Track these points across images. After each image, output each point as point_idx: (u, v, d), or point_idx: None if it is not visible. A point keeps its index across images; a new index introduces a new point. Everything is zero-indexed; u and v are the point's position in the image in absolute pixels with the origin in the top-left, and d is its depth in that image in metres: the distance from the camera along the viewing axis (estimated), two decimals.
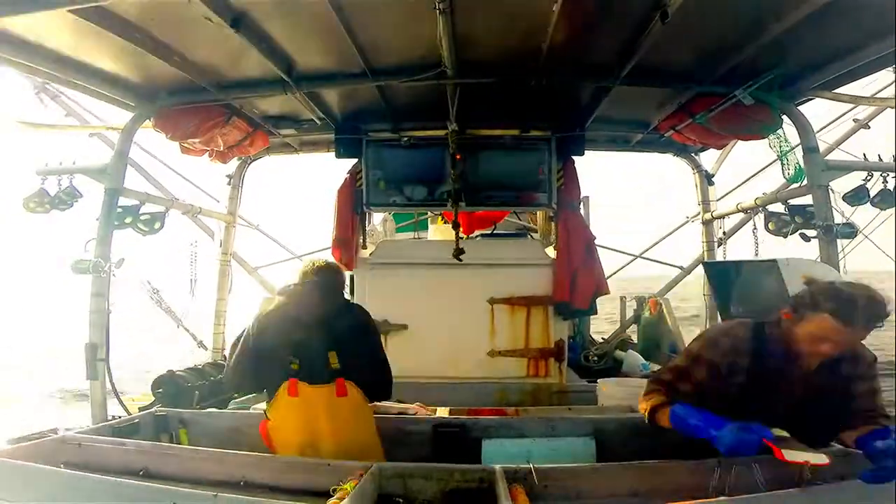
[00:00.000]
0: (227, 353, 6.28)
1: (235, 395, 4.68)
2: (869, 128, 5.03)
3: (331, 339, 2.93)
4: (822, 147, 4.44)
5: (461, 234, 5.18)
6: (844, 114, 5.01)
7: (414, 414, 3.69)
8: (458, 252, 4.82)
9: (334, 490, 2.36)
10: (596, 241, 5.36)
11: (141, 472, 2.59)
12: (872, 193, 4.13)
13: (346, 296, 3.25)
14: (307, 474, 2.60)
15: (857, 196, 4.16)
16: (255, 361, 2.98)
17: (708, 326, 6.08)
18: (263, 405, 4.25)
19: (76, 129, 5.20)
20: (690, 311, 10.73)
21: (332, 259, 5.14)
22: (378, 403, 3.31)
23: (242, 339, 3.02)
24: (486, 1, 3.32)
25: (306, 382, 2.92)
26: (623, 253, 7.30)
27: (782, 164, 4.36)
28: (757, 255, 5.40)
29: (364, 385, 3.04)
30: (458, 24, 3.42)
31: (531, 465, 2.50)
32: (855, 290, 2.12)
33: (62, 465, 2.48)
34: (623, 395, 4.12)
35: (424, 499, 2.56)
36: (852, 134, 5.03)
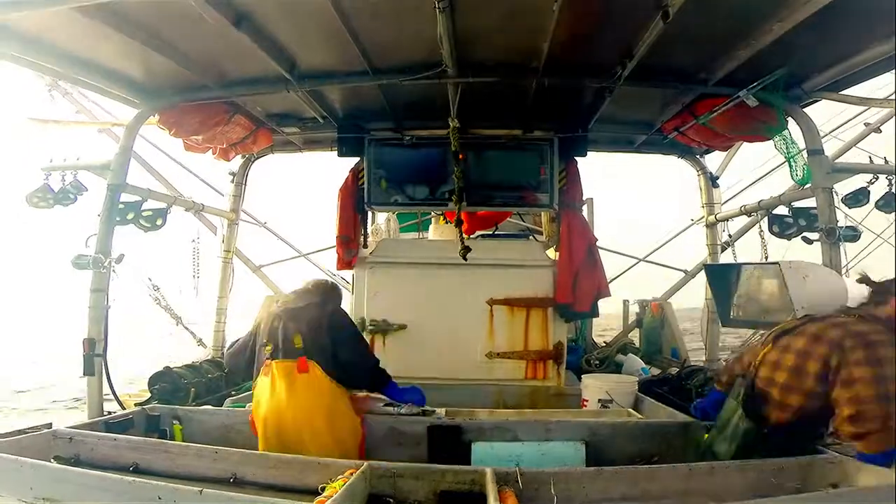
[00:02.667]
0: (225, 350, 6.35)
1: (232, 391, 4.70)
2: (880, 131, 4.96)
3: (297, 327, 3.32)
4: (828, 149, 4.37)
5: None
6: (855, 116, 4.95)
7: None
8: (465, 250, 4.72)
9: (323, 488, 2.35)
10: (598, 243, 5.33)
11: (131, 468, 2.59)
12: (877, 196, 4.06)
13: (332, 304, 3.60)
14: (297, 472, 2.60)
15: (855, 198, 4.11)
16: (250, 349, 3.53)
17: (708, 330, 6.03)
18: None
19: (82, 124, 5.25)
20: None
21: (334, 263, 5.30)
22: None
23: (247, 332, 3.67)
24: (487, 0, 3.30)
25: (276, 360, 3.28)
26: (626, 256, 7.26)
27: (790, 167, 4.30)
28: (767, 257, 5.33)
29: (337, 371, 3.32)
30: (459, 23, 3.41)
31: (518, 469, 2.48)
32: None
33: (52, 460, 2.49)
34: (600, 387, 4.28)
35: (415, 499, 2.55)
36: (863, 138, 4.96)
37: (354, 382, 3.47)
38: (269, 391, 3.24)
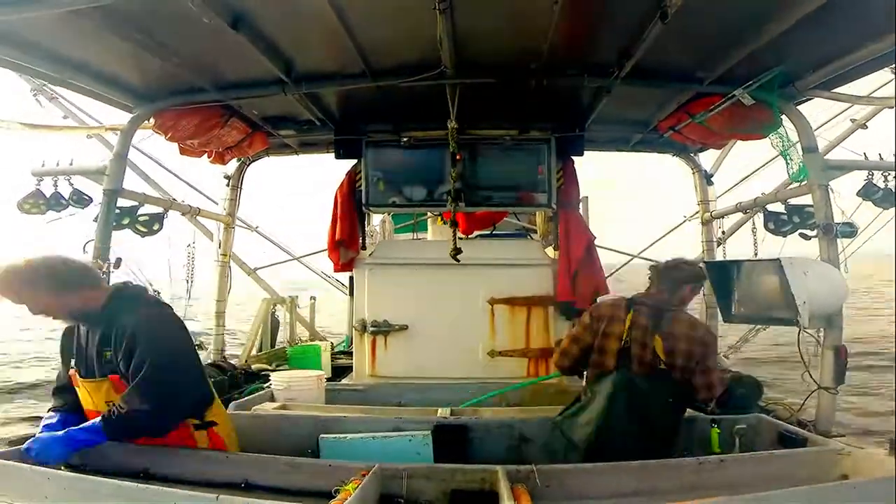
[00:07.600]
0: (226, 354, 6.32)
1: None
2: (866, 128, 5.03)
3: None
4: (821, 146, 4.44)
5: (460, 235, 5.17)
6: (841, 112, 5.02)
7: None
8: (456, 252, 4.77)
9: (336, 491, 2.35)
10: (595, 241, 5.37)
11: (141, 474, 2.57)
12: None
13: None
14: (309, 475, 2.60)
15: (867, 191, 4.16)
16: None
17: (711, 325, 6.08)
18: (266, 405, 4.25)
19: (75, 129, 5.18)
20: None
21: None
22: None
23: None
24: (486, 1, 3.32)
25: None
26: (621, 253, 7.32)
27: (786, 163, 4.35)
28: (756, 254, 5.41)
29: None
30: (457, 23, 3.41)
31: (533, 466, 2.50)
32: None
33: (62, 467, 2.46)
34: None
35: (426, 499, 2.55)
36: (849, 134, 5.04)
37: None
38: None
